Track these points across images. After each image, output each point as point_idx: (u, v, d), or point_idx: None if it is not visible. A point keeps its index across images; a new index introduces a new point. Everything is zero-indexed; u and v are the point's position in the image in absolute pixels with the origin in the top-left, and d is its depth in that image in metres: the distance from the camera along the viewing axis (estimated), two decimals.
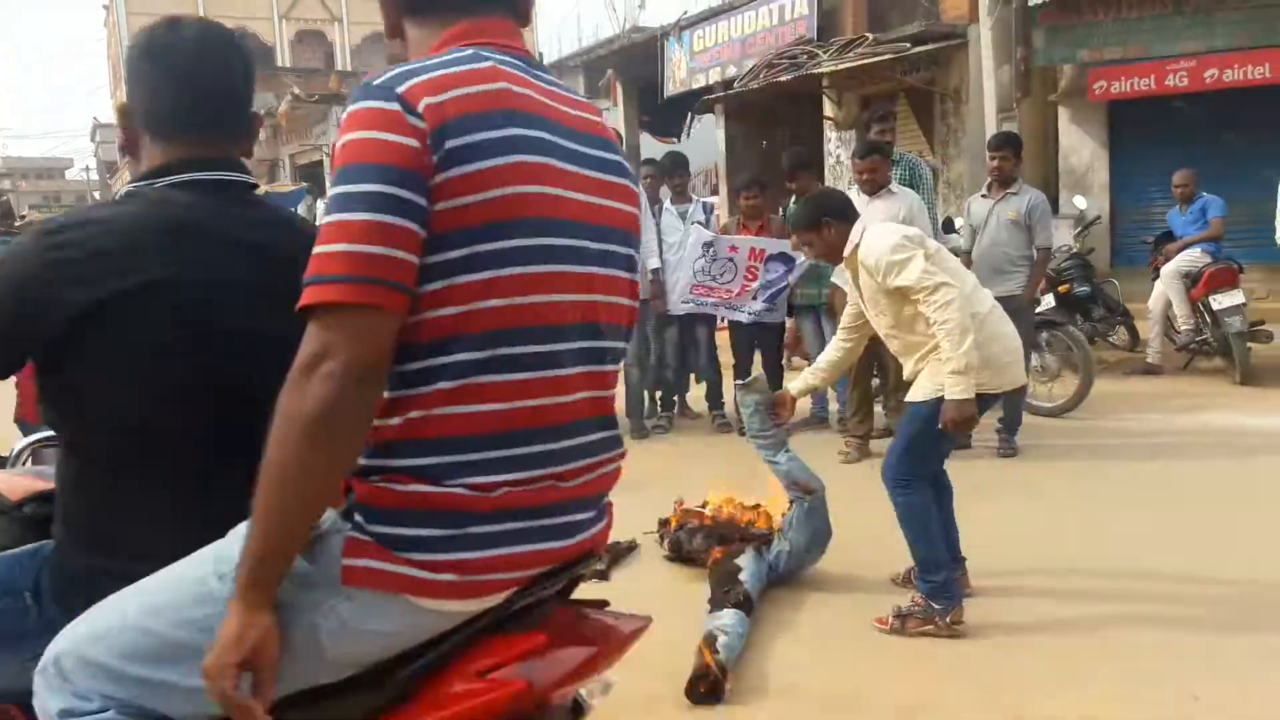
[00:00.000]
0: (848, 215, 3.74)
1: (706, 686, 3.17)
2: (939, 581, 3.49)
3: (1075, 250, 8.62)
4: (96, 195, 51.14)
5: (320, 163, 19.39)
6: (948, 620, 3.46)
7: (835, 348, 3.99)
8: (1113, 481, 5.45)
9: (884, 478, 3.66)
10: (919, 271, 3.37)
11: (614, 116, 19.42)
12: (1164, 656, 3.34)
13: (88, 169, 55.78)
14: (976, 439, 6.16)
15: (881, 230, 3.62)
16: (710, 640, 3.33)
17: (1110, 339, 8.68)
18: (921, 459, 3.62)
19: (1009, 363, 3.58)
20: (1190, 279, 7.79)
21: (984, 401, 3.55)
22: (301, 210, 18.71)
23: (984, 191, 6.16)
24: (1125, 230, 11.82)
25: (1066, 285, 8.11)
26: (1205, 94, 10.23)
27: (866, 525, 4.25)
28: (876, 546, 4.15)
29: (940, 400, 3.41)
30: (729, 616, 3.53)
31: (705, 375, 7.26)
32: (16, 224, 29.05)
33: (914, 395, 3.58)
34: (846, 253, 3.69)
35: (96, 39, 63.17)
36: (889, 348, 3.82)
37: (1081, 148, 11.71)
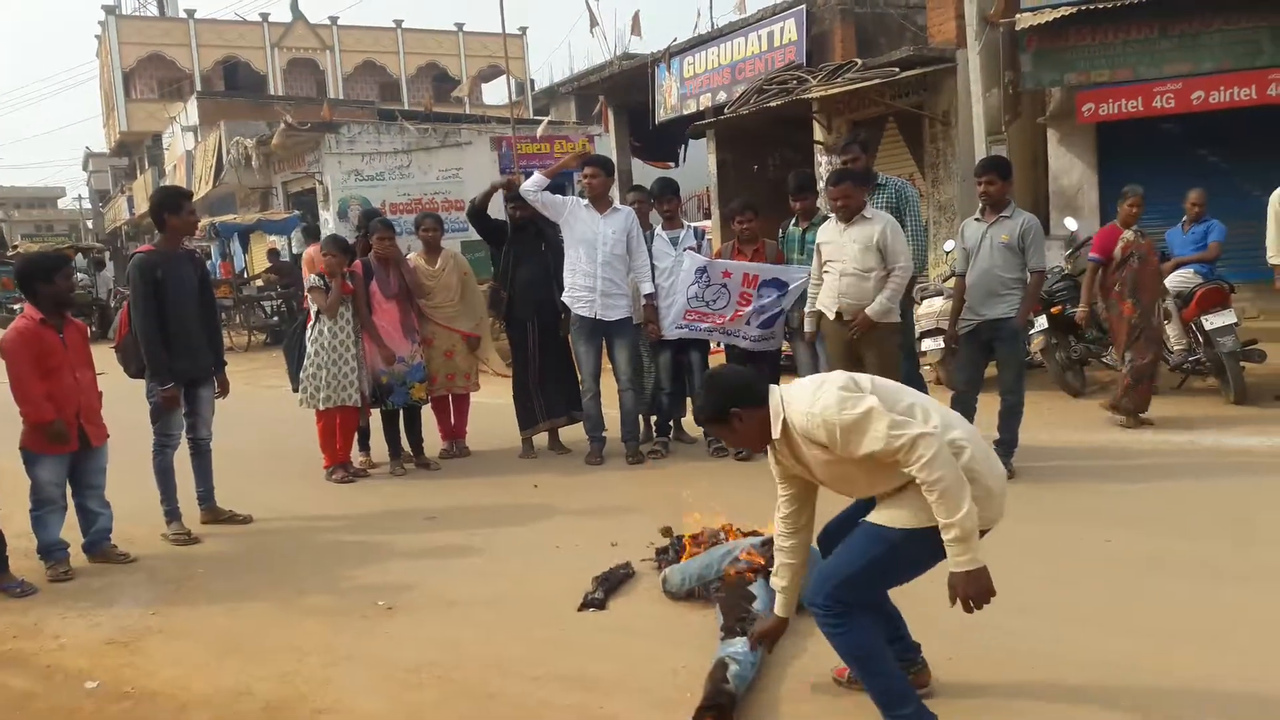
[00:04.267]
0: (753, 396, 3.03)
1: (715, 715, 3.13)
2: (910, 714, 2.98)
3: (1067, 271, 8.65)
4: (89, 224, 51.08)
5: (312, 190, 19.39)
6: None
7: (788, 554, 3.27)
8: (1109, 504, 5.44)
9: (811, 600, 3.05)
10: (885, 430, 2.78)
11: (605, 143, 19.53)
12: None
13: (80, 198, 55.80)
14: None
15: (808, 391, 2.97)
16: (721, 668, 3.31)
17: (1104, 360, 8.69)
18: (870, 587, 3.06)
19: (1000, 491, 3.01)
20: (1182, 299, 7.82)
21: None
22: (295, 236, 18.74)
23: (977, 215, 6.18)
24: None
25: (1059, 306, 8.15)
26: (1192, 115, 10.32)
27: None
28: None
29: (923, 533, 2.88)
30: (741, 645, 3.50)
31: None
32: (9, 254, 29.03)
33: (888, 520, 2.96)
34: (776, 434, 3.01)
35: (88, 68, 63.29)
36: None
37: (1071, 169, 11.78)
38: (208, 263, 23.28)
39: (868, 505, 3.13)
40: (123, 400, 5.69)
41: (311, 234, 16.31)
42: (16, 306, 25.73)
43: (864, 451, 2.83)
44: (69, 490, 5.28)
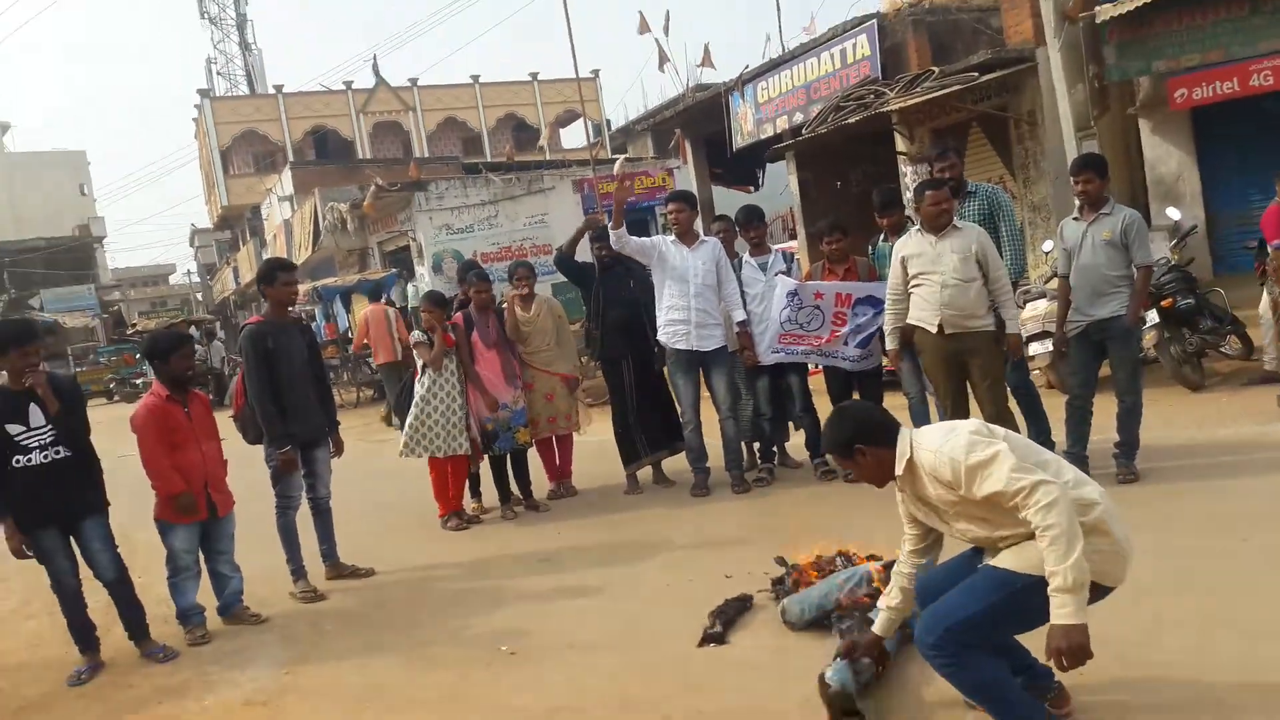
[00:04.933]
0: (881, 436, 3.11)
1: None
2: None
3: (1174, 262, 8.34)
4: (199, 297, 53.41)
5: (406, 248, 19.95)
6: None
7: (905, 579, 3.34)
8: (1243, 502, 5.19)
9: (922, 639, 3.02)
10: (1008, 472, 2.81)
11: (685, 175, 19.64)
12: None
13: (189, 273, 58.37)
14: (1094, 465, 5.96)
15: (939, 433, 3.04)
16: (820, 682, 3.36)
17: (1222, 349, 8.33)
18: (987, 632, 2.97)
19: (1130, 551, 2.99)
20: None
21: (1098, 592, 2.97)
22: (394, 294, 19.27)
23: (1075, 214, 6.02)
24: (1224, 237, 11.43)
25: (1169, 299, 7.86)
26: None
27: None
28: None
29: (1043, 581, 2.82)
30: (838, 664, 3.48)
31: (802, 422, 7.19)
32: (129, 331, 30.56)
33: (1014, 564, 2.93)
34: (899, 471, 3.07)
35: (188, 150, 66.40)
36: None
37: (1168, 158, 11.40)
38: (312, 324, 24.12)
39: (971, 561, 3.15)
40: (243, 465, 5.92)
41: (375, 295, 16.69)
42: (139, 381, 27.05)
43: (986, 492, 2.84)
44: (201, 557, 5.51)
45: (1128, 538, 2.97)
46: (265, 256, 29.96)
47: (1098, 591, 2.94)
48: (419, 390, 7.00)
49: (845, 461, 3.21)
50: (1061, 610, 2.74)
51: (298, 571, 5.95)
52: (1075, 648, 2.74)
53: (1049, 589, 2.76)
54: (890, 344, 6.23)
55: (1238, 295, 8.70)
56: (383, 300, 16.76)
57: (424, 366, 7.01)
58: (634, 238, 6.89)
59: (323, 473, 6.10)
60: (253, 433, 5.94)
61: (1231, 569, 4.30)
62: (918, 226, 5.95)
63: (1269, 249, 6.97)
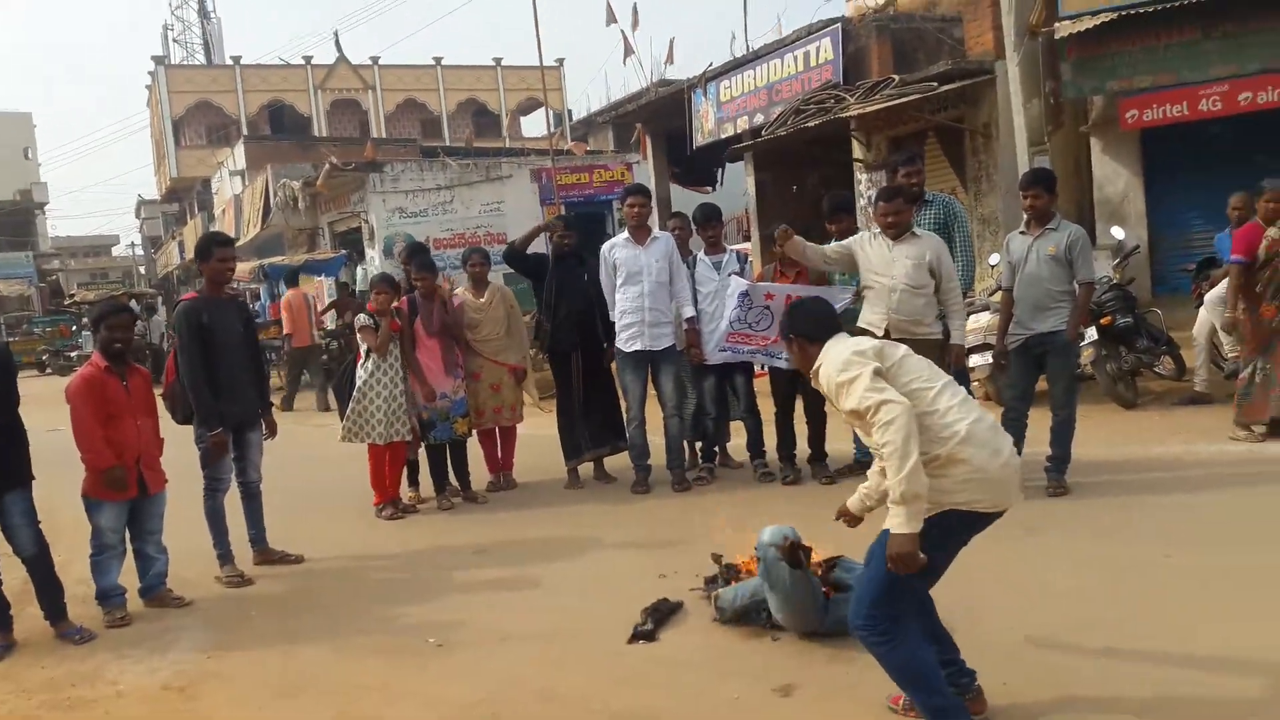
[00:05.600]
0: (815, 334, 3.32)
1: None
2: None
3: (1115, 281, 8.49)
4: (142, 270, 52.31)
5: (358, 230, 19.70)
6: None
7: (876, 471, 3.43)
8: (1168, 519, 5.30)
9: (852, 623, 3.17)
10: (861, 391, 2.99)
11: (644, 170, 19.61)
12: None
13: (133, 245, 57.16)
14: (1026, 478, 6.03)
15: (836, 350, 3.19)
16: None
17: (1156, 369, 8.51)
18: (902, 594, 3.08)
19: (1003, 480, 3.07)
20: None
21: (979, 521, 3.12)
22: (342, 276, 19.01)
23: (1022, 228, 6.09)
24: (1165, 258, 11.66)
25: (1109, 317, 8.00)
26: (1240, 117, 10.12)
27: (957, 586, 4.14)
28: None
29: (936, 519, 3.00)
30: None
31: (745, 423, 7.21)
32: (66, 302, 29.84)
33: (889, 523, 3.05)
34: (809, 372, 3.33)
35: (140, 118, 65.01)
36: None
37: (1116, 178, 11.60)
38: (257, 304, 23.71)
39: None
40: (174, 445, 5.79)
41: (291, 280, 16.50)
42: (74, 354, 26.42)
43: (847, 408, 3.07)
44: (127, 536, 5.37)
45: (1002, 464, 3.06)
46: (216, 230, 29.45)
47: (973, 519, 3.09)
48: (361, 375, 6.90)
49: (787, 344, 3.46)
50: (893, 520, 2.92)
51: (224, 556, 5.83)
52: (904, 555, 2.91)
53: (888, 502, 2.95)
54: None
55: (1174, 317, 8.89)
56: (321, 280, 16.59)
57: (368, 351, 6.91)
58: (600, 279, 6.96)
59: (254, 456, 5.97)
60: (182, 412, 5.79)
61: (1152, 584, 4.38)
62: (878, 231, 5.97)
63: (1228, 263, 7.03)
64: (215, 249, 5.77)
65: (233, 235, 25.58)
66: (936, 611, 3.32)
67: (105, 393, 5.17)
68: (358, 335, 7.09)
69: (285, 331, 14.30)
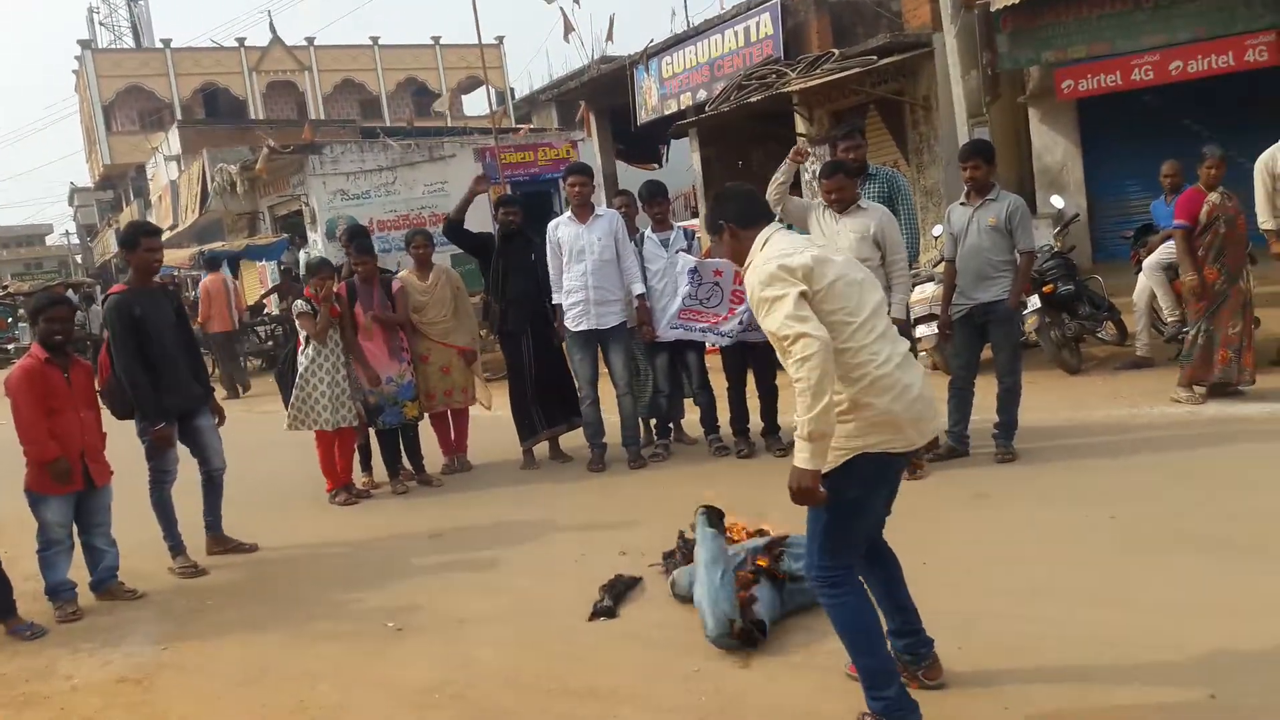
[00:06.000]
0: (748, 219, 3.21)
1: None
2: (891, 697, 3.00)
3: (1056, 249, 8.66)
4: (78, 260, 50.99)
5: (299, 213, 19.37)
6: None
7: None
8: (1113, 480, 5.44)
9: (807, 576, 3.24)
10: (781, 317, 2.88)
11: (589, 148, 19.52)
12: None
13: (68, 234, 55.69)
14: (974, 444, 6.17)
15: (768, 255, 3.07)
16: None
17: (1098, 335, 8.71)
18: (842, 543, 3.07)
19: (912, 419, 3.02)
20: (1173, 270, 7.81)
21: (895, 461, 3.10)
22: (285, 260, 18.71)
23: (963, 199, 6.18)
24: (1104, 226, 11.92)
25: (1051, 285, 8.16)
26: (1172, 86, 10.34)
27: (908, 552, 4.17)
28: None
29: (847, 464, 2.98)
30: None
31: (699, 399, 7.25)
32: (0, 294, 28.99)
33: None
34: (741, 267, 3.22)
35: (69, 103, 63.11)
36: None
37: (1054, 147, 11.81)
38: (191, 294, 23.25)
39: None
40: (121, 436, 5.69)
41: (212, 264, 16.26)
42: (10, 347, 25.71)
43: (765, 327, 2.97)
44: (75, 530, 5.28)
45: (910, 401, 3.00)
46: (149, 218, 28.77)
47: (886, 459, 3.03)
48: (303, 362, 6.81)
49: (714, 236, 3.32)
50: (798, 455, 2.87)
51: (176, 547, 5.75)
52: (803, 490, 2.87)
53: (795, 435, 2.89)
54: None
55: (1114, 283, 9.09)
56: (221, 269, 16.41)
57: (308, 338, 6.82)
58: (548, 258, 6.89)
59: (212, 442, 5.88)
60: (122, 407, 5.64)
61: (1099, 543, 4.50)
62: (824, 204, 6.00)
63: (1170, 229, 7.16)
64: (142, 239, 5.59)
65: (170, 222, 25.10)
66: (904, 581, 3.34)
67: (46, 384, 5.07)
68: (297, 323, 6.99)
69: (200, 318, 14.09)
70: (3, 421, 5.12)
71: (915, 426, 3.04)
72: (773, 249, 3.08)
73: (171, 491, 5.75)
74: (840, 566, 3.05)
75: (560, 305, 6.92)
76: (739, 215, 3.23)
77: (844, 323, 2.97)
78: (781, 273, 2.96)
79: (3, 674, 4.45)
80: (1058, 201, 9.63)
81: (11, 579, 5.07)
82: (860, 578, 3.17)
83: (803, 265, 2.97)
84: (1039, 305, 8.02)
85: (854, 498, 3.01)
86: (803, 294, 2.92)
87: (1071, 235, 9.50)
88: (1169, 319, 7.97)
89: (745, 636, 3.75)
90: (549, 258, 6.96)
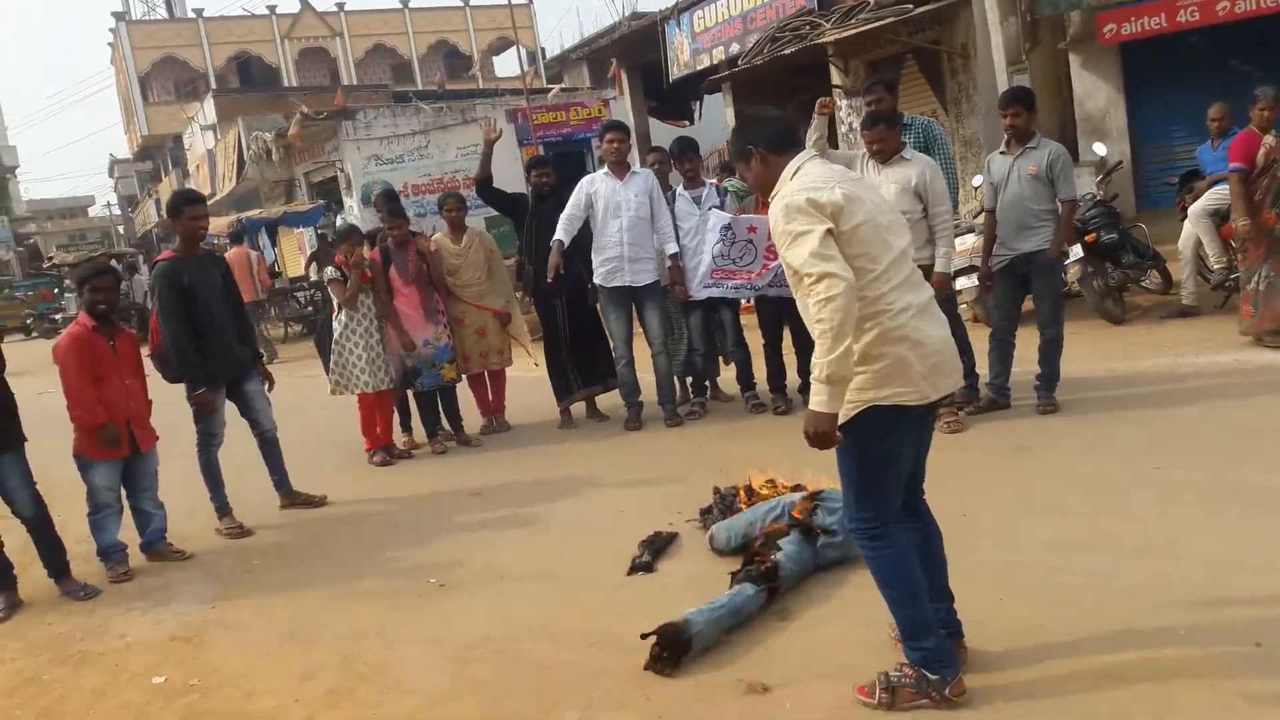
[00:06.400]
0: (780, 145, 3.06)
1: (662, 650, 3.36)
2: (930, 648, 2.95)
3: (1099, 198, 8.49)
4: (120, 230, 51.69)
5: (335, 179, 19.46)
6: (946, 693, 2.92)
7: None
8: (1158, 432, 5.36)
9: (849, 529, 3.19)
10: (806, 255, 2.78)
11: (621, 106, 19.38)
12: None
13: (109, 205, 56.36)
14: (1016, 397, 6.10)
15: (799, 186, 2.93)
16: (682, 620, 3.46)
17: (1143, 284, 8.55)
18: (877, 495, 3.00)
19: (925, 372, 2.91)
20: (1220, 216, 7.64)
21: (910, 413, 2.95)
22: (322, 226, 18.83)
23: (1003, 148, 6.06)
24: (1148, 173, 11.66)
25: (1093, 234, 8.00)
26: (1218, 27, 10.04)
27: (949, 505, 4.08)
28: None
29: (865, 415, 2.89)
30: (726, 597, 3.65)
31: (734, 357, 7.23)
32: (45, 265, 29.52)
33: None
34: (770, 196, 3.05)
35: (105, 75, 63.60)
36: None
37: (1096, 93, 11.53)
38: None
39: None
40: (169, 402, 5.78)
41: (235, 238, 16.39)
42: (57, 317, 26.21)
43: (787, 261, 2.87)
44: (123, 494, 5.39)
45: (923, 354, 2.90)
46: (187, 188, 29.05)
47: (899, 412, 2.92)
48: (336, 329, 6.89)
49: (742, 163, 3.16)
50: (815, 398, 2.78)
51: (222, 508, 5.86)
52: (820, 433, 2.79)
53: (811, 378, 2.79)
54: None
55: (1159, 230, 8.90)
56: (243, 243, 16.61)
57: (339, 305, 6.90)
58: (570, 210, 6.80)
59: (261, 405, 6.00)
60: (172, 372, 5.77)
61: (1143, 495, 4.44)
62: (866, 155, 5.91)
63: (1226, 172, 6.96)
64: (186, 207, 5.66)
65: (208, 190, 25.33)
66: (944, 563, 3.24)
67: (93, 352, 5.16)
68: (329, 289, 7.05)
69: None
70: (51, 390, 5.21)
71: (929, 380, 2.92)
72: (804, 179, 2.94)
73: (219, 455, 5.85)
74: (879, 519, 2.98)
75: (551, 250, 6.79)
76: (770, 140, 3.06)
77: (864, 269, 2.86)
78: (809, 207, 2.84)
79: (60, 633, 4.58)
80: (1100, 149, 9.42)
81: (64, 542, 5.19)
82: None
83: (832, 202, 2.85)
84: (1081, 255, 7.88)
85: (877, 450, 2.94)
86: (829, 231, 2.82)
87: (1114, 183, 9.31)
88: (1215, 266, 7.80)
89: (768, 575, 3.75)
90: (570, 206, 6.88)
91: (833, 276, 2.74)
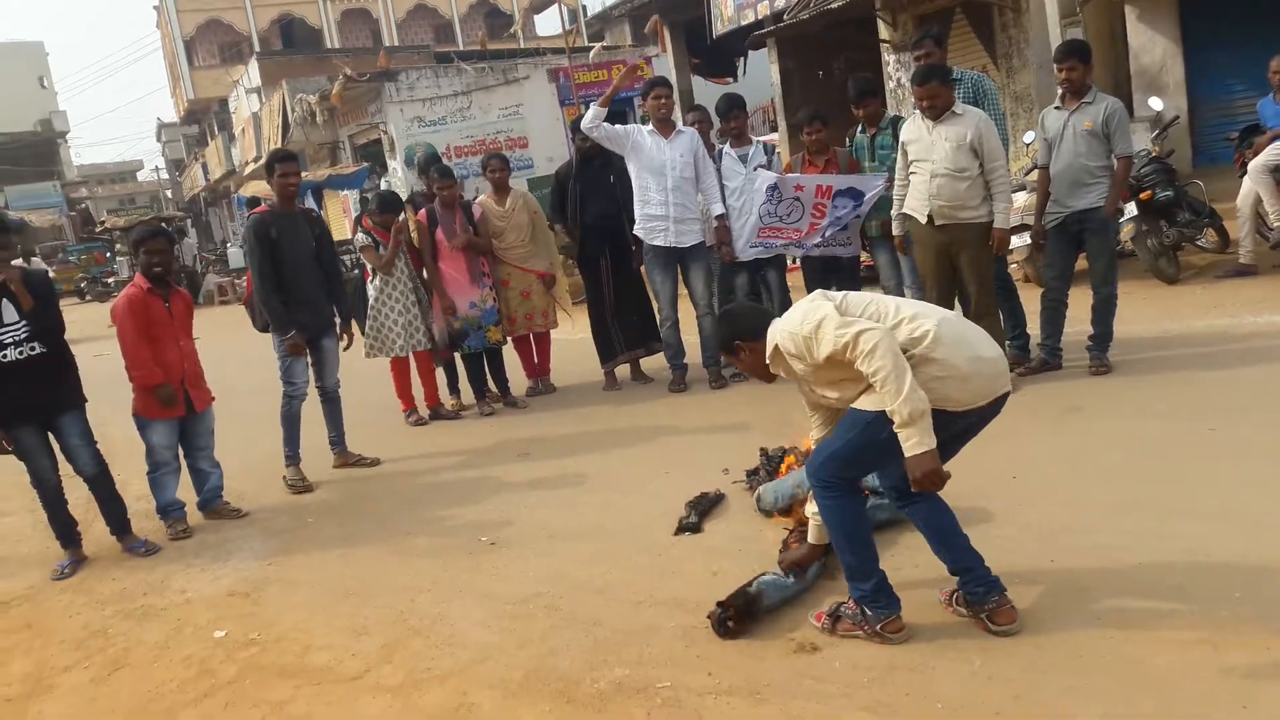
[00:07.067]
0: (754, 330, 3.34)
1: (734, 614, 3.37)
2: (868, 590, 3.22)
3: (1155, 154, 8.28)
4: (168, 194, 52.35)
5: (378, 141, 19.51)
6: (879, 629, 3.18)
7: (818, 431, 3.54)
8: (1213, 393, 5.27)
9: (808, 473, 3.35)
10: (832, 331, 2.99)
11: (664, 63, 19.19)
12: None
13: (157, 169, 57.03)
14: (1067, 357, 6.02)
15: (783, 321, 3.23)
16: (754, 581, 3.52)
17: (1199, 242, 8.35)
18: (850, 466, 3.22)
19: (975, 373, 3.05)
20: None
21: (955, 419, 3.08)
22: (366, 188, 18.92)
23: (1057, 103, 5.93)
24: (1206, 128, 11.36)
25: (1148, 191, 7.83)
26: None
27: (998, 467, 3.95)
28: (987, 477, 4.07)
29: (883, 415, 3.00)
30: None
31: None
32: (97, 229, 30.02)
33: (862, 404, 3.10)
34: (769, 359, 3.28)
35: (151, 39, 64.15)
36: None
37: (1153, 46, 11.23)
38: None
39: None
40: (223, 363, 5.89)
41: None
42: (110, 280, 26.70)
43: (823, 355, 3.04)
44: (181, 454, 5.52)
45: (971, 358, 3.05)
46: (234, 151, 29.31)
47: (949, 417, 3.05)
48: (371, 294, 6.98)
49: (732, 359, 3.48)
50: (908, 443, 2.94)
51: (292, 457, 6.04)
52: (927, 474, 2.95)
53: (894, 427, 2.95)
54: (896, 230, 6.12)
55: (1216, 188, 8.68)
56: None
57: (374, 270, 6.97)
58: (608, 125, 6.74)
59: (329, 362, 6.18)
60: (260, 320, 6.01)
61: (1197, 457, 4.38)
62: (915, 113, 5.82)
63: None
64: (277, 165, 5.95)
65: (255, 154, 25.52)
66: (949, 518, 3.26)
67: (149, 313, 5.26)
68: (361, 255, 7.12)
69: None
70: (107, 352, 5.33)
71: (974, 384, 3.05)
72: (784, 318, 3.24)
73: (301, 409, 6.04)
74: (841, 479, 3.22)
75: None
76: (749, 328, 3.37)
77: (879, 313, 3.10)
78: (809, 306, 3.14)
79: (123, 588, 4.72)
80: (1156, 103, 9.17)
81: (124, 500, 5.33)
82: (908, 511, 3.32)
83: (819, 294, 3.19)
84: (1136, 212, 7.72)
85: (881, 442, 3.05)
86: (835, 307, 3.07)
87: (1171, 139, 9.07)
88: (1276, 224, 7.61)
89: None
90: (620, 128, 6.80)
91: (864, 330, 2.95)
